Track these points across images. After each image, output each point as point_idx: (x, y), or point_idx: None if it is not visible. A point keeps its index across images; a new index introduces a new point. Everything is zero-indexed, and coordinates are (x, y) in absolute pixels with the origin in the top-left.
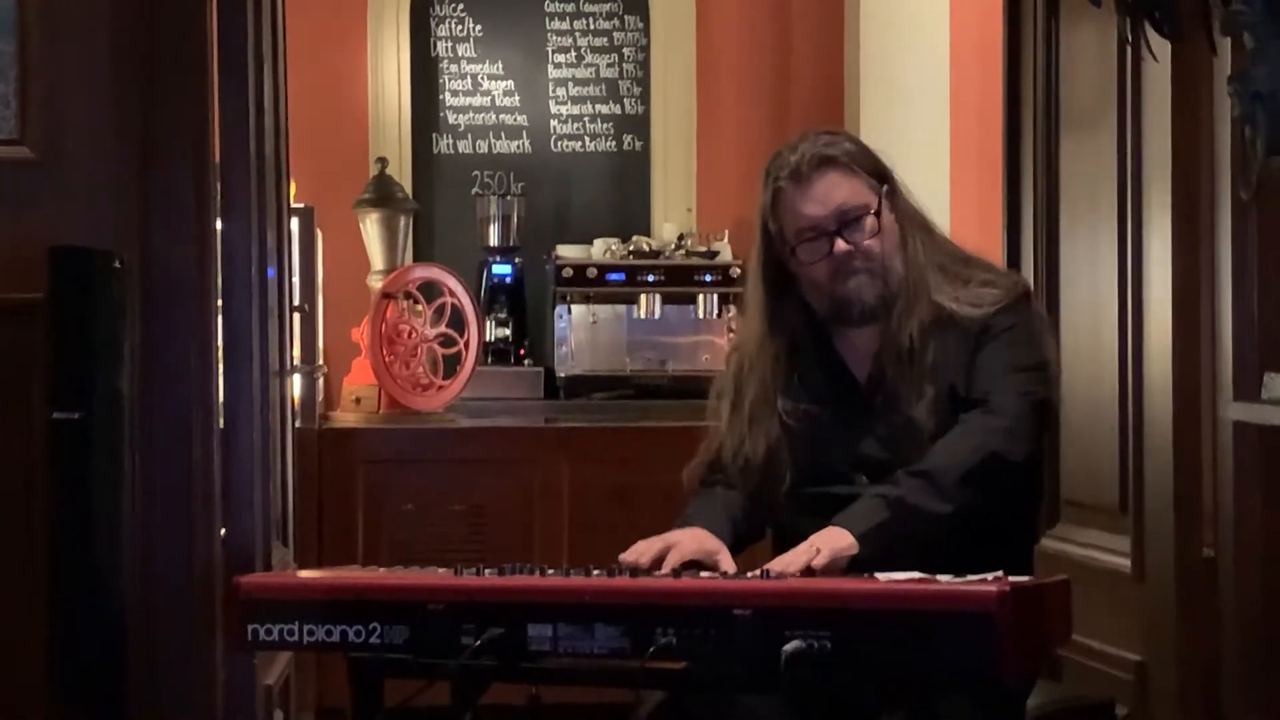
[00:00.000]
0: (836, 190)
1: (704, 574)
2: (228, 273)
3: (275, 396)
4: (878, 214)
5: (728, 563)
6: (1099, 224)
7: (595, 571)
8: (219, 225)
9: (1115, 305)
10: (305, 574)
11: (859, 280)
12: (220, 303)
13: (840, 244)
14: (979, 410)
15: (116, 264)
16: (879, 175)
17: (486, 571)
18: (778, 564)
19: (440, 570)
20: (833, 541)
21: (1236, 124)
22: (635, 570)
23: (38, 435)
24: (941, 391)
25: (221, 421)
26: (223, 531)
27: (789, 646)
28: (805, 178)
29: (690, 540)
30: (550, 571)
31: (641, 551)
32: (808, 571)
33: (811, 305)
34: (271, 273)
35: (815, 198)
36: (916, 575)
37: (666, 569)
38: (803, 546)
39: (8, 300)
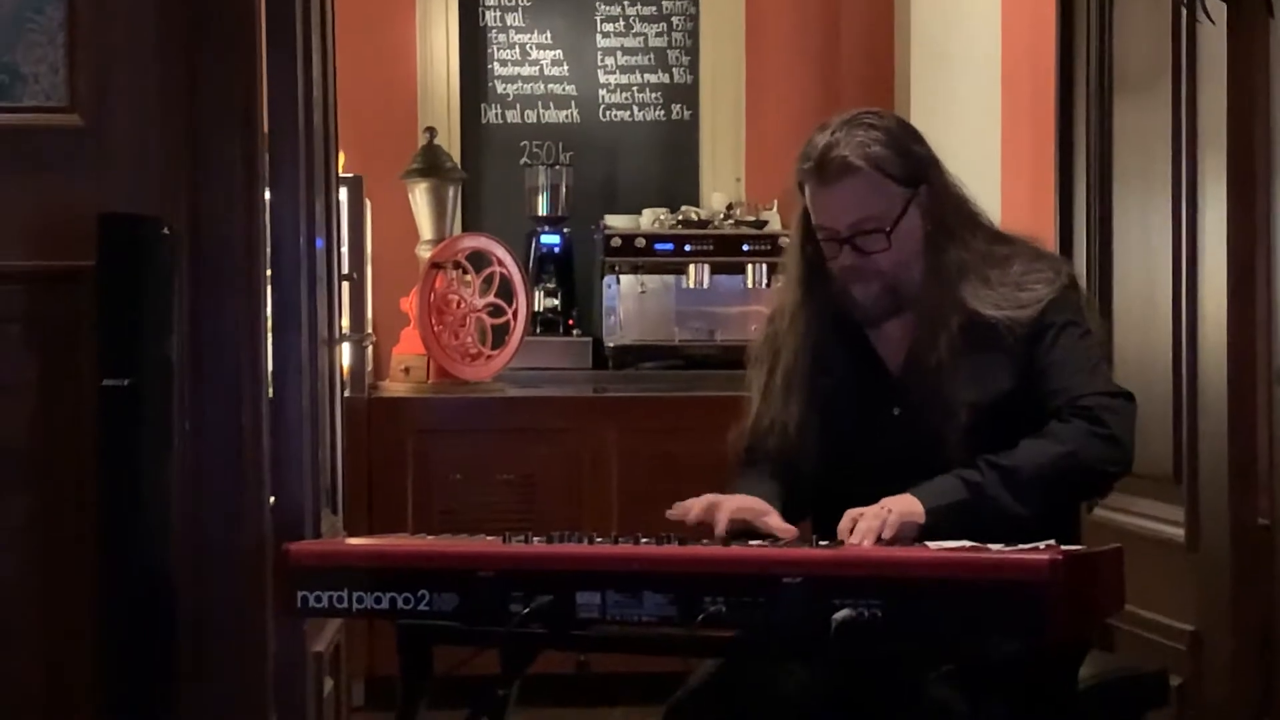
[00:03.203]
0: (852, 202)
1: (754, 542)
2: (276, 241)
3: (324, 365)
4: (891, 229)
5: (778, 523)
6: (1153, 190)
7: (644, 539)
8: (267, 194)
9: (1169, 272)
10: (354, 541)
11: (866, 288)
12: (269, 272)
13: (848, 254)
14: (1075, 414)
15: (165, 231)
16: (911, 178)
17: (535, 539)
18: (854, 534)
19: (489, 538)
20: (903, 505)
21: None
22: (684, 538)
23: (87, 402)
24: (982, 403)
25: (271, 390)
26: (272, 499)
27: (839, 615)
28: (824, 180)
29: (736, 498)
30: (599, 539)
31: (688, 507)
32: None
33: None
34: (320, 242)
35: (831, 205)
36: (967, 544)
37: (719, 525)
38: (874, 509)
39: (58, 267)
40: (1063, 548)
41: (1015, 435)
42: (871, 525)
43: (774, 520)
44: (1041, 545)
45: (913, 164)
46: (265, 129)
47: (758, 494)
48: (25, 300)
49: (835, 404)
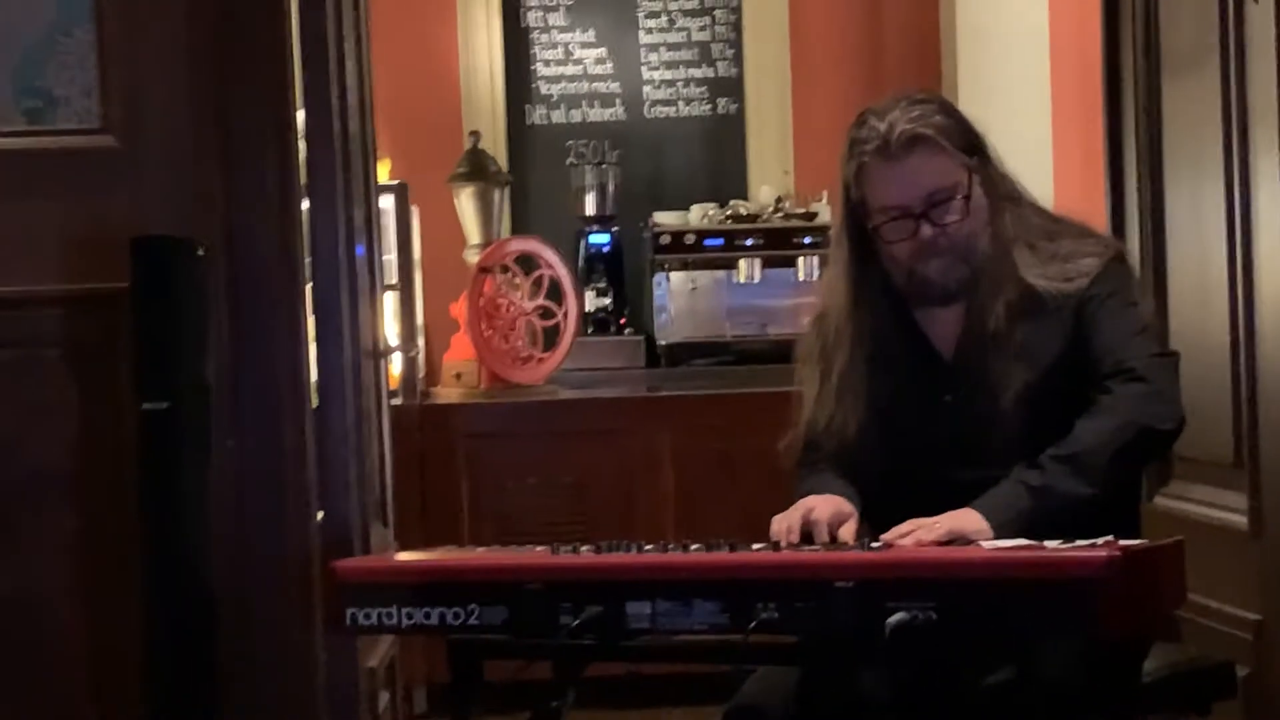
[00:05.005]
0: (925, 171)
1: (805, 547)
2: (315, 253)
3: (369, 376)
4: (967, 195)
5: (849, 532)
6: (1204, 169)
7: (693, 546)
8: (304, 206)
9: (1224, 251)
10: (401, 557)
11: (942, 262)
12: (309, 284)
13: (926, 228)
14: (1119, 380)
15: (199, 251)
16: (970, 147)
17: (583, 549)
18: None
19: (537, 549)
20: (968, 523)
21: None
22: (734, 543)
23: (128, 424)
24: (1033, 378)
25: (315, 404)
26: (320, 515)
27: (893, 619)
28: (893, 156)
29: (826, 504)
30: (648, 547)
31: (789, 528)
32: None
33: (892, 277)
34: (361, 251)
35: (903, 179)
36: (1023, 542)
37: (819, 535)
38: (933, 530)
39: (95, 290)
40: (1121, 542)
41: (1066, 410)
42: (924, 540)
43: (848, 529)
44: (1099, 541)
45: (968, 134)
46: (301, 139)
47: (836, 492)
48: (63, 323)
49: (892, 400)
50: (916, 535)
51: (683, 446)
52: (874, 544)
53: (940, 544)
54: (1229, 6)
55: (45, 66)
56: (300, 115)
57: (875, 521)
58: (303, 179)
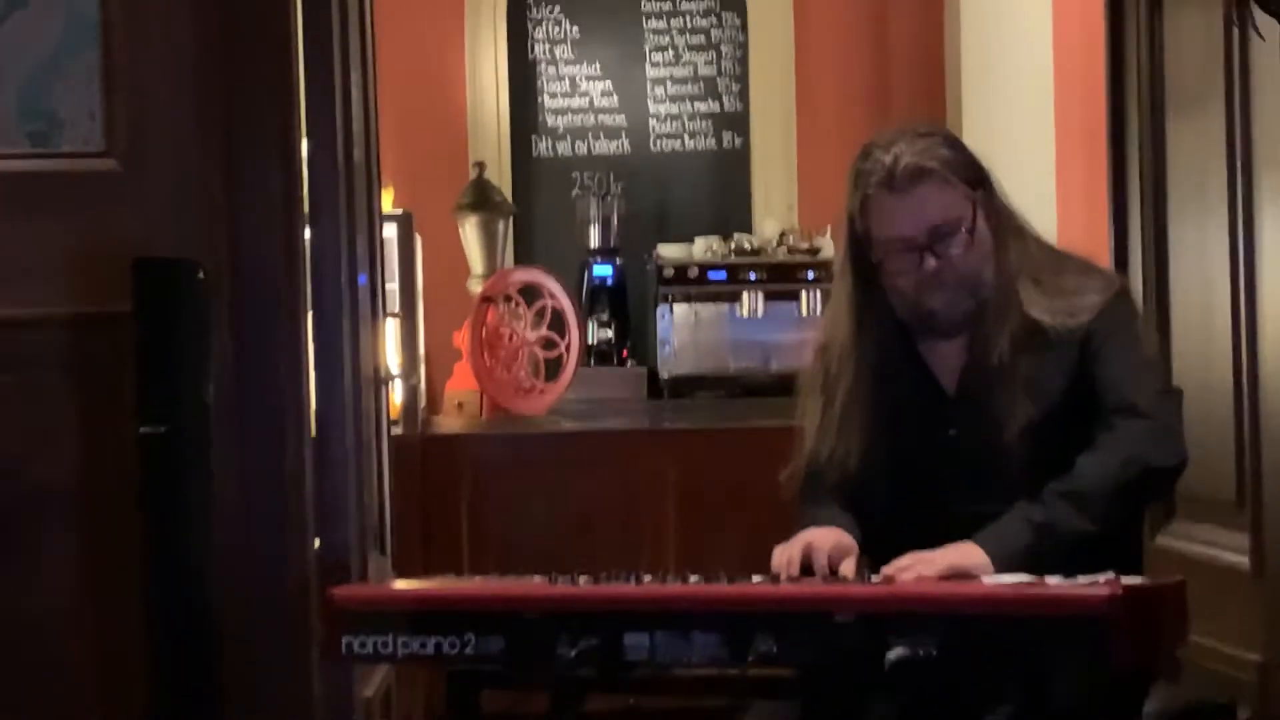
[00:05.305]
0: (931, 204)
1: (806, 580)
2: (317, 280)
3: (369, 404)
4: (971, 228)
5: (849, 566)
6: (1208, 208)
7: (693, 578)
8: (308, 232)
9: (1228, 291)
10: (399, 584)
11: (946, 295)
12: (311, 311)
13: (930, 260)
14: (1122, 416)
15: (200, 274)
16: (974, 180)
17: (581, 579)
18: (903, 575)
19: (536, 579)
20: (968, 558)
21: None
22: (734, 576)
23: (130, 446)
24: (1037, 413)
25: (314, 430)
26: (317, 542)
27: (893, 654)
28: (898, 189)
29: (827, 536)
30: (646, 578)
31: (789, 561)
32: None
33: (896, 310)
34: (363, 279)
35: (908, 212)
36: (1024, 578)
37: (820, 569)
38: (932, 564)
39: (98, 313)
40: (1123, 580)
41: (1069, 445)
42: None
43: (849, 564)
44: (1101, 578)
45: (973, 167)
46: (305, 166)
47: (837, 524)
48: (67, 346)
49: (894, 432)
50: (917, 569)
51: (687, 479)
52: (874, 578)
53: (941, 579)
54: (1234, 43)
55: (50, 89)
56: (304, 143)
57: (877, 554)
58: (306, 206)
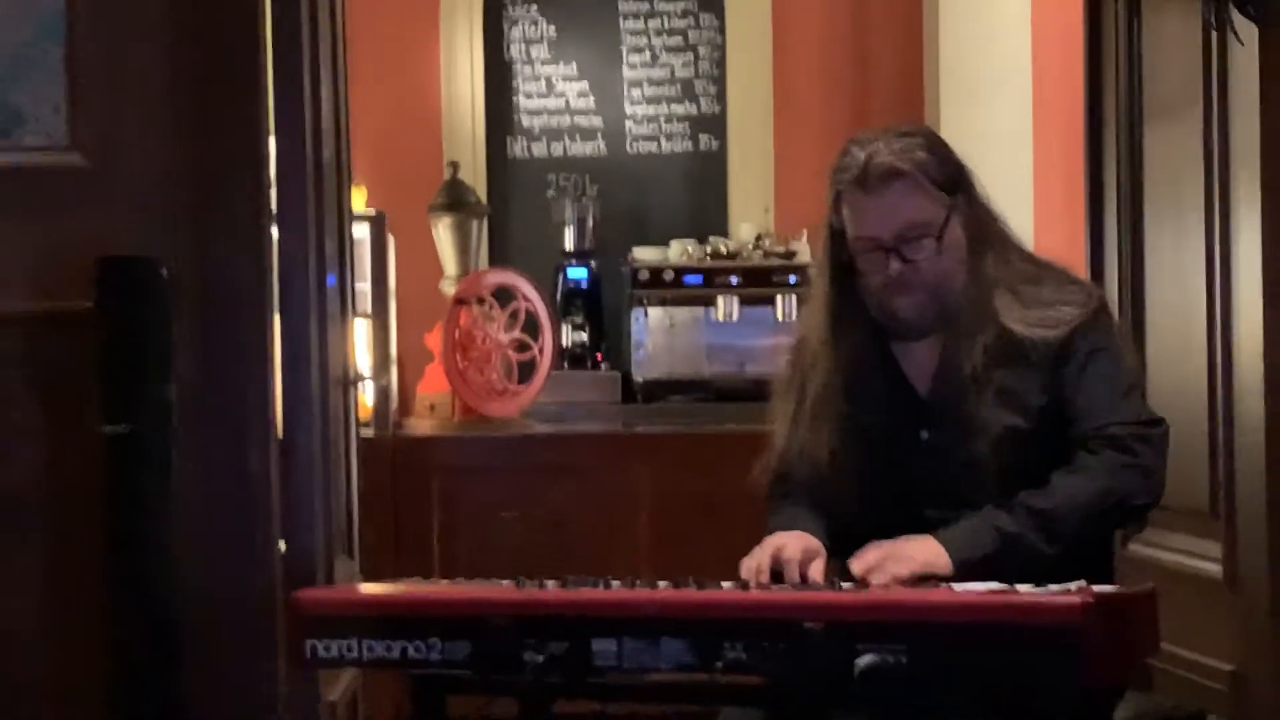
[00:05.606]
0: (900, 207)
1: (775, 586)
2: (285, 280)
3: (337, 406)
4: (940, 234)
5: (817, 571)
6: (1185, 215)
7: (661, 584)
8: (275, 232)
9: (1203, 300)
10: (365, 588)
11: (912, 299)
12: (278, 311)
13: (895, 263)
14: (1105, 444)
15: (163, 272)
16: (952, 185)
17: (549, 584)
18: (874, 575)
19: (504, 583)
20: (929, 555)
21: None
22: (703, 581)
23: (93, 445)
24: (1012, 424)
25: (280, 432)
26: (283, 545)
27: (862, 661)
28: (870, 188)
29: (796, 541)
30: (615, 583)
31: (758, 568)
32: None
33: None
34: (332, 279)
35: (877, 211)
36: (995, 586)
37: (790, 574)
38: (894, 557)
39: (61, 310)
40: (1094, 589)
41: (1042, 457)
42: (896, 569)
43: (816, 567)
44: (1073, 586)
45: (952, 171)
46: (272, 166)
47: (806, 528)
48: (27, 344)
49: (865, 431)
50: (886, 567)
51: (660, 484)
52: (844, 584)
53: (911, 582)
54: (1212, 51)
55: (15, 83)
56: (272, 140)
57: (846, 553)
58: (274, 204)
